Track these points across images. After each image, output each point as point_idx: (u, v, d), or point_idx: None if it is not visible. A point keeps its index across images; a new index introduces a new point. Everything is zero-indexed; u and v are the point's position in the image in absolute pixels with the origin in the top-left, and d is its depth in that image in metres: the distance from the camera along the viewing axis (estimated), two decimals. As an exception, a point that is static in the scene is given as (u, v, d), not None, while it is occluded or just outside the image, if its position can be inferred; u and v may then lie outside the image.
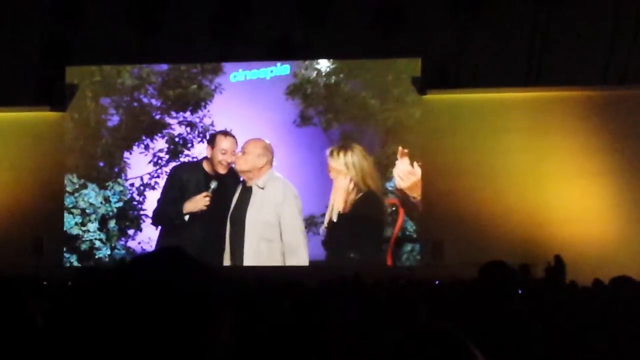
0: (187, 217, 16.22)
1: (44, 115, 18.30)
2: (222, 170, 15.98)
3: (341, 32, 17.90)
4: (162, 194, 16.82)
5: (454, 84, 18.26)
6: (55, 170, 17.68)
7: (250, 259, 15.79)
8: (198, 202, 16.09)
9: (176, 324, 1.25)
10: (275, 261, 15.74)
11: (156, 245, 16.52)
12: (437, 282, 10.64)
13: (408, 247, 16.62)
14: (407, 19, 18.31)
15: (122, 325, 1.24)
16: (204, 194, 16.00)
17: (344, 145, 16.22)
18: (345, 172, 15.93)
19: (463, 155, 17.17)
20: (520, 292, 7.13)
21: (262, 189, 15.80)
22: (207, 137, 17.04)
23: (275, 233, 15.85)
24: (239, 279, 6.57)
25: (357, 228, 16.10)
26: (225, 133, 16.56)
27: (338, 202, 15.97)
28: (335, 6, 18.38)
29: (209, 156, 16.09)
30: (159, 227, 16.69)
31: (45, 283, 9.06)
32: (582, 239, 16.54)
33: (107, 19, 18.48)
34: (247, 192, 15.90)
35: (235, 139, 16.35)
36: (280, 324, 3.85)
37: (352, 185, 15.96)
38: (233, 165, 16.07)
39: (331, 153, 16.03)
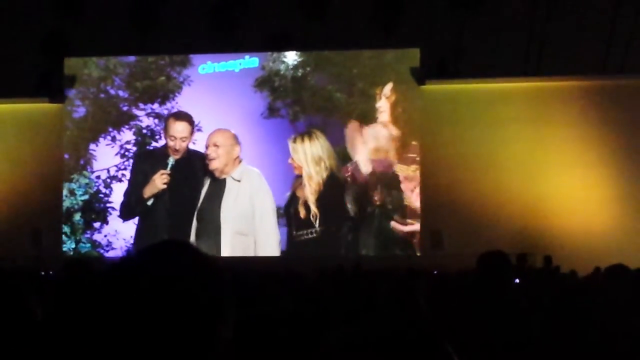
0: (150, 202, 16.26)
1: (43, 107, 18.28)
2: (176, 156, 16.20)
3: (340, 23, 17.85)
4: (128, 185, 16.87)
5: (453, 74, 18.22)
6: (53, 162, 17.66)
7: (227, 253, 15.88)
8: (156, 182, 16.20)
9: (184, 320, 1.25)
10: (249, 253, 15.92)
11: (135, 237, 16.54)
12: (435, 272, 10.66)
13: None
14: (406, 10, 18.27)
15: (129, 321, 1.24)
16: (161, 172, 16.15)
17: (307, 133, 16.45)
18: (308, 161, 16.15)
19: (462, 145, 17.16)
20: (517, 281, 7.15)
21: (239, 181, 15.95)
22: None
23: (250, 226, 16.04)
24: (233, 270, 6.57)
25: (330, 214, 16.27)
26: (177, 116, 16.73)
27: (308, 191, 16.10)
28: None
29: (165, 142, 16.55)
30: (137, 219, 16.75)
31: (43, 274, 9.07)
32: (581, 229, 16.55)
33: (107, 10, 18.43)
34: (219, 185, 16.05)
35: (189, 120, 16.55)
36: (280, 316, 3.86)
37: (321, 173, 16.12)
38: (192, 147, 16.38)
39: (294, 140, 16.27)
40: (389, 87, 16.78)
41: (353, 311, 3.74)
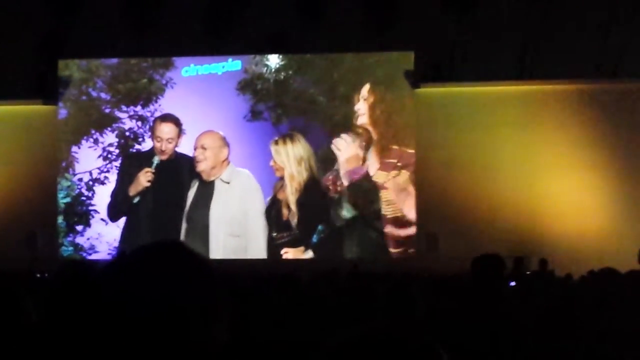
0: (135, 200, 16.25)
1: (37, 109, 18.23)
2: (162, 157, 16.26)
3: (334, 26, 17.84)
4: (115, 185, 16.87)
5: (447, 77, 18.23)
6: (48, 164, 17.61)
7: (218, 255, 15.86)
8: (140, 179, 16.24)
9: (178, 321, 1.24)
10: (240, 255, 15.95)
11: (120, 239, 16.47)
12: (427, 276, 10.67)
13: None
14: (400, 13, 18.27)
15: (123, 323, 1.23)
16: (145, 169, 16.13)
17: (288, 135, 16.48)
18: (290, 161, 16.17)
19: (457, 148, 17.19)
20: (512, 284, 7.16)
21: (228, 183, 15.98)
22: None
23: (243, 227, 16.06)
24: (226, 272, 6.57)
25: (311, 217, 16.28)
26: (163, 118, 16.74)
27: (289, 191, 16.10)
28: (328, 0, 18.33)
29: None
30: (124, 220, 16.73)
31: (38, 276, 9.05)
32: (575, 232, 16.59)
33: (101, 12, 18.38)
34: (207, 187, 16.08)
35: (176, 122, 16.55)
36: (275, 319, 3.86)
37: (302, 173, 16.10)
38: (177, 150, 16.43)
39: (276, 142, 16.28)
40: (365, 88, 16.74)
41: (350, 314, 3.74)
